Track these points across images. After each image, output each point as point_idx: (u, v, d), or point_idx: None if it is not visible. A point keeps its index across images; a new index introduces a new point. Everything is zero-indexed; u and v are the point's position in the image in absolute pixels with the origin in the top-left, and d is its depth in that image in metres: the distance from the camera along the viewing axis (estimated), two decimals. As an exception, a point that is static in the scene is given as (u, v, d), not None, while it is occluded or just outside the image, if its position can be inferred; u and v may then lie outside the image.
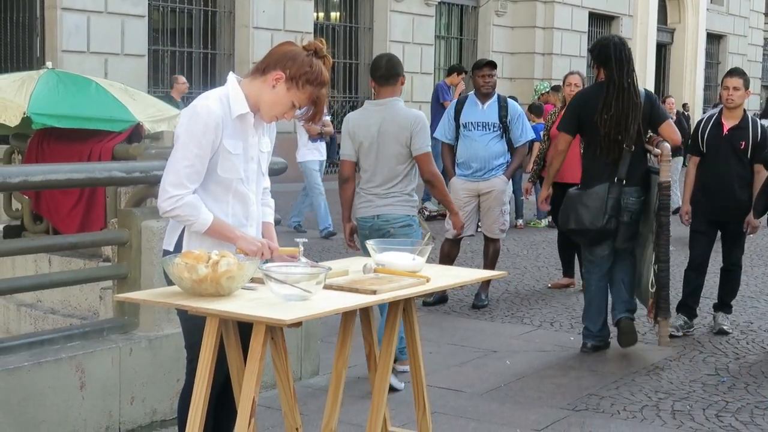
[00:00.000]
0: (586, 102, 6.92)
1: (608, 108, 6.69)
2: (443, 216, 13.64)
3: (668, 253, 6.72)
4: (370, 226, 6.11)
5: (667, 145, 6.68)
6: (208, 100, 3.83)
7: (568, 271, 9.46)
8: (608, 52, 6.76)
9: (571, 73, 9.60)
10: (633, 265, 7.08)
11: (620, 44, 6.81)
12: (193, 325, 3.79)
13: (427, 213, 14.13)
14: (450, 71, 15.30)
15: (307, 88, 3.81)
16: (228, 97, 3.86)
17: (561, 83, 10.39)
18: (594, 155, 6.89)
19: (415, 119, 6.07)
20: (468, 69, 19.95)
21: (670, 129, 6.91)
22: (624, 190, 6.77)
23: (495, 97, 8.48)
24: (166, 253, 3.92)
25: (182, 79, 15.51)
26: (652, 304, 6.90)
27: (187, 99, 14.17)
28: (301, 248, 3.88)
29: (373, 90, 6.36)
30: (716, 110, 7.78)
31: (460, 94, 14.73)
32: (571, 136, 7.07)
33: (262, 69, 3.87)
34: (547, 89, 16.00)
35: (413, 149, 6.06)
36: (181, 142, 3.80)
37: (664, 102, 16.01)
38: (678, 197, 12.65)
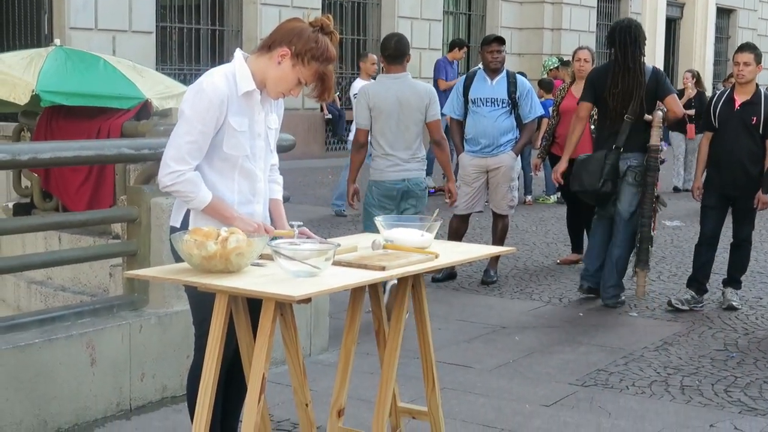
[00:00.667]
0: (598, 78, 7.66)
1: (615, 85, 7.45)
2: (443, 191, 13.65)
3: (651, 210, 7.54)
4: (400, 188, 6.86)
5: (659, 113, 7.46)
6: (214, 77, 3.82)
7: (576, 247, 9.45)
8: (614, 35, 7.51)
9: (581, 48, 9.57)
10: (632, 240, 7.68)
11: (626, 28, 7.51)
12: (201, 301, 3.80)
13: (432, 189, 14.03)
14: (451, 46, 15.19)
15: (313, 65, 3.79)
16: (234, 73, 3.85)
17: (570, 58, 10.36)
18: (602, 126, 7.69)
19: (431, 89, 7.01)
20: (471, 44, 19.92)
21: (673, 102, 7.58)
22: (626, 155, 7.47)
23: (504, 72, 8.45)
24: (173, 229, 3.93)
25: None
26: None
27: None
28: (296, 230, 3.87)
29: (381, 65, 7.08)
30: (728, 87, 7.80)
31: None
32: (590, 103, 7.72)
33: (268, 45, 3.86)
34: (556, 65, 15.93)
35: (428, 115, 6.88)
36: (185, 117, 3.80)
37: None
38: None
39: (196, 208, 3.85)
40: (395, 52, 6.88)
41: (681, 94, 15.03)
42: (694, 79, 15.39)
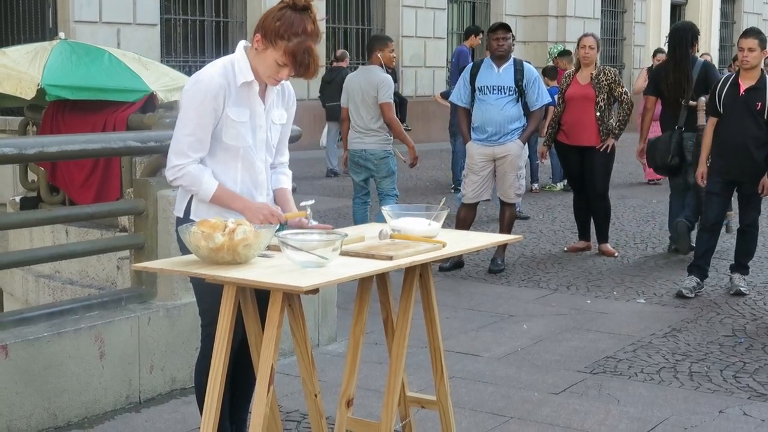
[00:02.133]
0: (659, 72, 9.15)
1: (668, 77, 8.76)
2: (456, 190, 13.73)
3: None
4: (359, 156, 8.43)
5: (703, 99, 8.34)
6: (213, 68, 3.83)
7: (584, 235, 9.45)
8: (669, 36, 9.03)
9: (586, 35, 9.52)
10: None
11: (677, 30, 9.02)
12: (205, 290, 3.81)
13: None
14: (467, 34, 15.13)
15: (280, 44, 3.72)
16: (234, 64, 3.85)
17: (575, 46, 10.33)
18: (665, 112, 8.93)
19: (382, 79, 8.36)
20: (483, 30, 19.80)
21: None
22: (685, 135, 8.64)
23: (511, 60, 8.44)
24: (177, 219, 3.94)
25: None
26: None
27: None
28: (309, 211, 3.88)
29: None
30: (733, 72, 7.80)
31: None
32: (654, 96, 9.04)
33: (253, 36, 3.86)
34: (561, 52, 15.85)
35: (378, 98, 8.28)
36: (182, 110, 3.82)
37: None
38: None
39: (203, 200, 3.85)
40: (368, 49, 8.86)
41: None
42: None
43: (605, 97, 8.99)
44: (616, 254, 9.14)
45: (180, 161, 3.79)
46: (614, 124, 9.03)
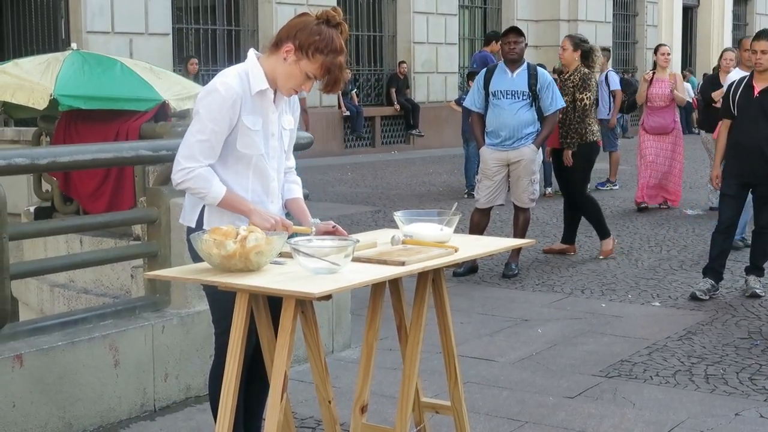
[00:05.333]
0: None
1: None
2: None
3: None
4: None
5: None
6: (227, 77, 3.83)
7: (567, 238, 9.40)
8: None
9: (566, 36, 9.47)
10: None
11: None
12: (219, 299, 3.81)
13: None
14: (488, 40, 15.09)
15: (318, 58, 3.76)
16: (247, 73, 3.86)
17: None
18: None
19: None
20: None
21: None
22: None
23: (524, 65, 8.40)
24: (188, 229, 3.94)
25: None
26: None
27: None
28: (314, 229, 3.86)
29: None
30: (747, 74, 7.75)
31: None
32: None
33: (276, 43, 3.86)
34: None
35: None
36: (198, 117, 3.81)
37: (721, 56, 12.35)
38: None
39: (211, 204, 3.85)
40: None
41: (715, 80, 11.88)
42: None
43: (569, 100, 8.80)
44: (608, 251, 9.12)
45: (190, 164, 3.78)
46: (574, 132, 8.86)
